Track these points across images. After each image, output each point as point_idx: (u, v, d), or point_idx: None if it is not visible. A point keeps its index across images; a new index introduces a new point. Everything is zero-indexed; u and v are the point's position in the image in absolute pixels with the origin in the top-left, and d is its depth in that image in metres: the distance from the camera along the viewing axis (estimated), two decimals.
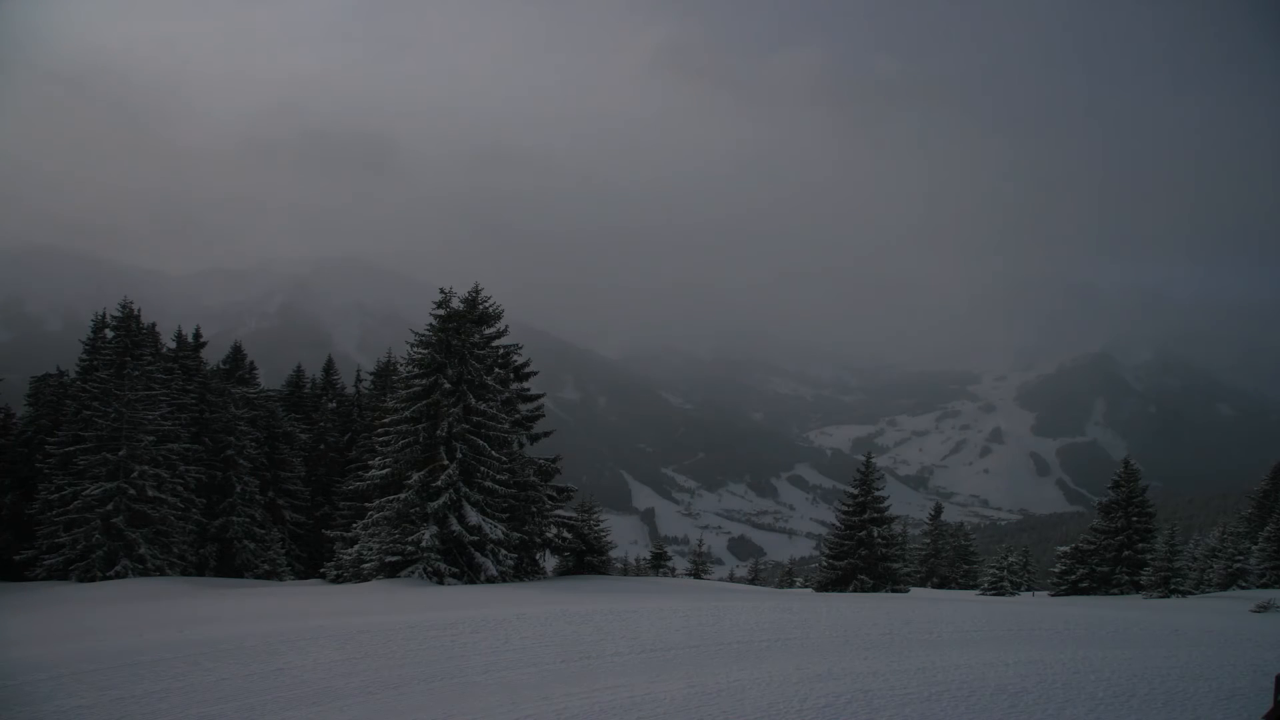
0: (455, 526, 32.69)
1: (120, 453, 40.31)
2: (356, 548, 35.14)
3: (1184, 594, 42.94)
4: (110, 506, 39.71)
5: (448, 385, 33.76)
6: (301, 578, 49.36)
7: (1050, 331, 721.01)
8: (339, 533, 39.14)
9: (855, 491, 47.79)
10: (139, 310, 48.75)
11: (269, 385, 64.39)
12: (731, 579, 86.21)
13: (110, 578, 38.47)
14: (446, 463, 33.26)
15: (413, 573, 32.50)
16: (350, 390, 64.30)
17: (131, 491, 40.15)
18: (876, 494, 47.03)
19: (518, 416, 37.86)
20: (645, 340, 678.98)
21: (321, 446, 59.47)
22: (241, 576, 45.95)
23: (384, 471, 34.78)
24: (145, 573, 39.44)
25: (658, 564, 51.07)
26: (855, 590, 45.25)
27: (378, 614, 21.45)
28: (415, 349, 35.44)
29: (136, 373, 42.84)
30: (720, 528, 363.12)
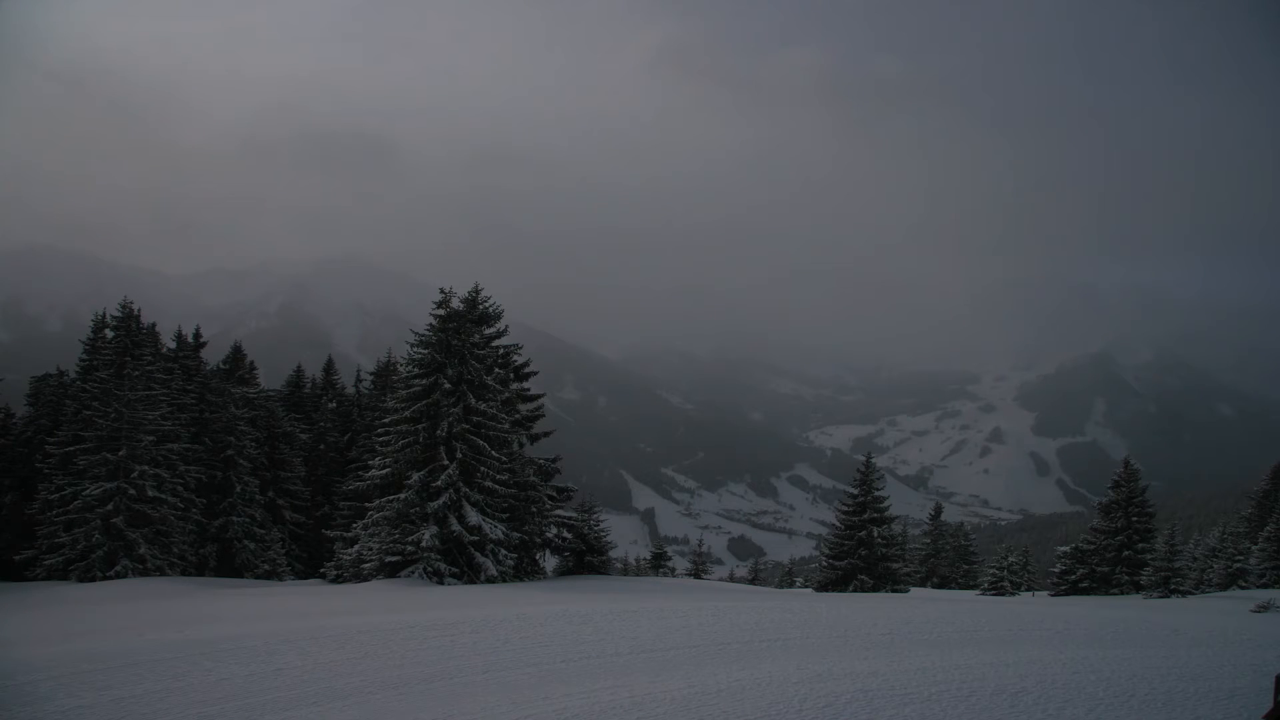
0: (455, 526, 32.68)
1: (120, 453, 40.31)
2: (356, 548, 35.15)
3: (1184, 594, 42.96)
4: (110, 506, 39.72)
5: (448, 385, 33.75)
6: (301, 578, 49.36)
7: (1050, 331, 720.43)
8: (339, 533, 39.15)
9: (855, 491, 47.80)
10: (139, 310, 48.78)
11: (269, 385, 64.39)
12: (731, 579, 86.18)
13: (110, 578, 38.47)
14: (446, 463, 33.25)
15: (413, 573, 32.50)
16: (350, 390, 64.30)
17: (131, 491, 40.15)
18: (876, 494, 47.03)
19: (518, 416, 37.87)
20: (645, 340, 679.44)
21: (321, 446, 59.46)
22: (241, 576, 45.95)
23: (384, 471, 34.78)
24: (145, 573, 39.44)
25: (658, 564, 51.08)
26: (855, 590, 45.26)
27: (377, 614, 21.45)
28: (415, 349, 35.43)
29: (136, 373, 42.86)
30: (720, 528, 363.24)
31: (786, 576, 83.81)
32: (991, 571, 52.06)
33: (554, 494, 38.66)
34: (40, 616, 26.28)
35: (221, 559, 47.39)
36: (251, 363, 60.32)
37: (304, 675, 14.76)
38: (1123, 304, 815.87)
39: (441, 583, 32.07)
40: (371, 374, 63.58)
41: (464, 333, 35.06)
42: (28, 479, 45.10)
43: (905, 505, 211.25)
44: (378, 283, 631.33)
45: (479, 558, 33.22)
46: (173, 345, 53.34)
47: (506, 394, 37.27)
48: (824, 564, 49.94)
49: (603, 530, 40.01)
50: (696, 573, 55.53)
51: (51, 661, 15.92)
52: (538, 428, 39.22)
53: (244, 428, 50.06)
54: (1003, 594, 48.43)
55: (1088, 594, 47.44)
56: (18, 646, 18.75)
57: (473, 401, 33.85)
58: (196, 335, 55.49)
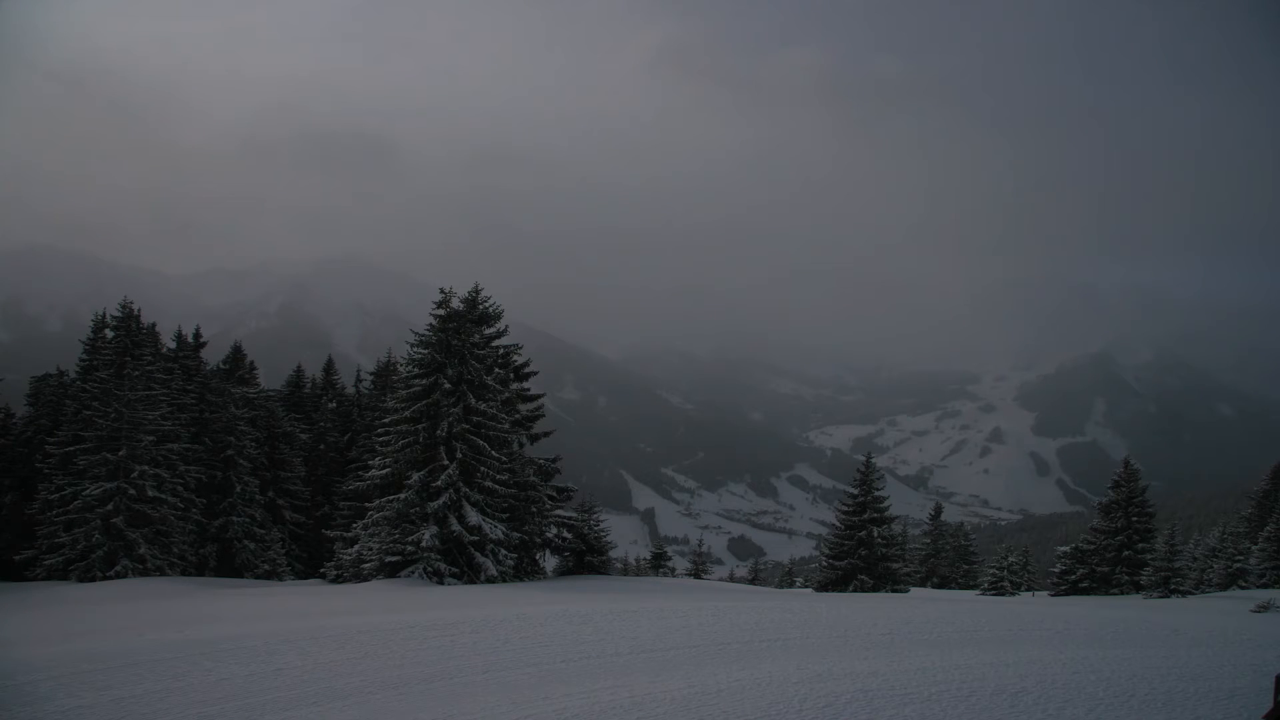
0: (455, 526, 32.68)
1: (120, 453, 40.30)
2: (357, 548, 35.14)
3: (1184, 594, 42.96)
4: (110, 506, 39.70)
5: (448, 385, 33.74)
6: (301, 578, 49.35)
7: (1050, 331, 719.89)
8: (339, 533, 39.13)
9: (855, 491, 47.78)
10: (139, 310, 48.80)
11: (269, 385, 64.36)
12: (731, 579, 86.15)
13: (110, 578, 38.46)
14: (446, 463, 33.25)
15: (413, 573, 32.50)
16: (350, 390, 64.28)
17: (131, 491, 40.14)
18: (876, 494, 47.01)
19: (518, 416, 37.86)
20: (645, 340, 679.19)
21: (321, 446, 59.44)
22: (241, 576, 45.94)
23: (384, 471, 34.77)
24: (145, 573, 39.43)
25: (658, 564, 51.05)
26: (855, 590, 45.26)
27: (377, 614, 21.45)
28: (415, 349, 35.41)
29: (136, 373, 42.85)
30: (720, 528, 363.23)
31: (786, 576, 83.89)
32: (992, 571, 51.92)
33: (554, 494, 38.66)
34: (40, 616, 26.29)
35: (221, 559, 47.38)
36: (251, 363, 60.31)
37: (304, 675, 14.76)
38: (1123, 304, 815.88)
39: (442, 582, 32.07)
40: (371, 374, 63.58)
41: (464, 333, 35.05)
42: (28, 479, 45.10)
43: (905, 505, 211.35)
44: (378, 283, 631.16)
45: (479, 558, 33.22)
46: (173, 345, 53.33)
47: (506, 394, 37.27)
48: (824, 564, 49.91)
49: (603, 530, 40.02)
50: (696, 573, 55.48)
51: (51, 661, 15.92)
52: (538, 428, 39.23)
53: (244, 428, 50.04)
54: (1003, 594, 48.39)
55: (1088, 594, 47.41)
56: (18, 646, 18.76)
57: (473, 401, 33.84)
58: (196, 335, 55.49)
